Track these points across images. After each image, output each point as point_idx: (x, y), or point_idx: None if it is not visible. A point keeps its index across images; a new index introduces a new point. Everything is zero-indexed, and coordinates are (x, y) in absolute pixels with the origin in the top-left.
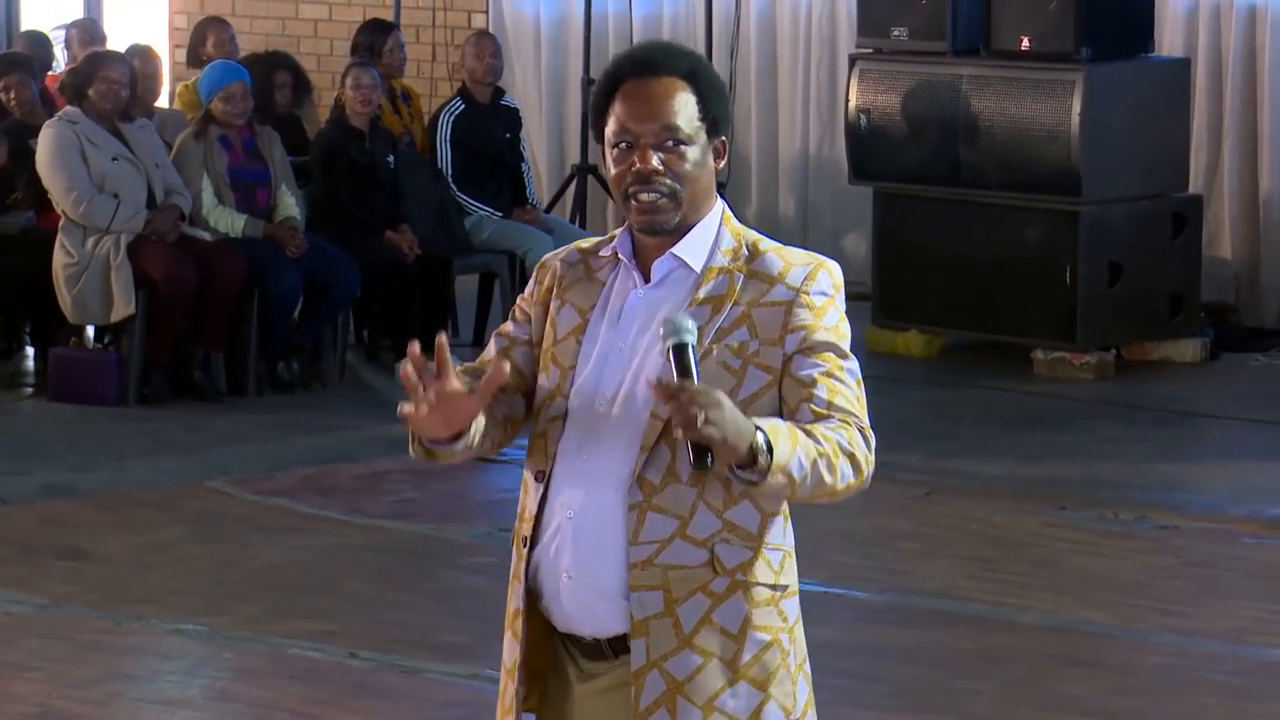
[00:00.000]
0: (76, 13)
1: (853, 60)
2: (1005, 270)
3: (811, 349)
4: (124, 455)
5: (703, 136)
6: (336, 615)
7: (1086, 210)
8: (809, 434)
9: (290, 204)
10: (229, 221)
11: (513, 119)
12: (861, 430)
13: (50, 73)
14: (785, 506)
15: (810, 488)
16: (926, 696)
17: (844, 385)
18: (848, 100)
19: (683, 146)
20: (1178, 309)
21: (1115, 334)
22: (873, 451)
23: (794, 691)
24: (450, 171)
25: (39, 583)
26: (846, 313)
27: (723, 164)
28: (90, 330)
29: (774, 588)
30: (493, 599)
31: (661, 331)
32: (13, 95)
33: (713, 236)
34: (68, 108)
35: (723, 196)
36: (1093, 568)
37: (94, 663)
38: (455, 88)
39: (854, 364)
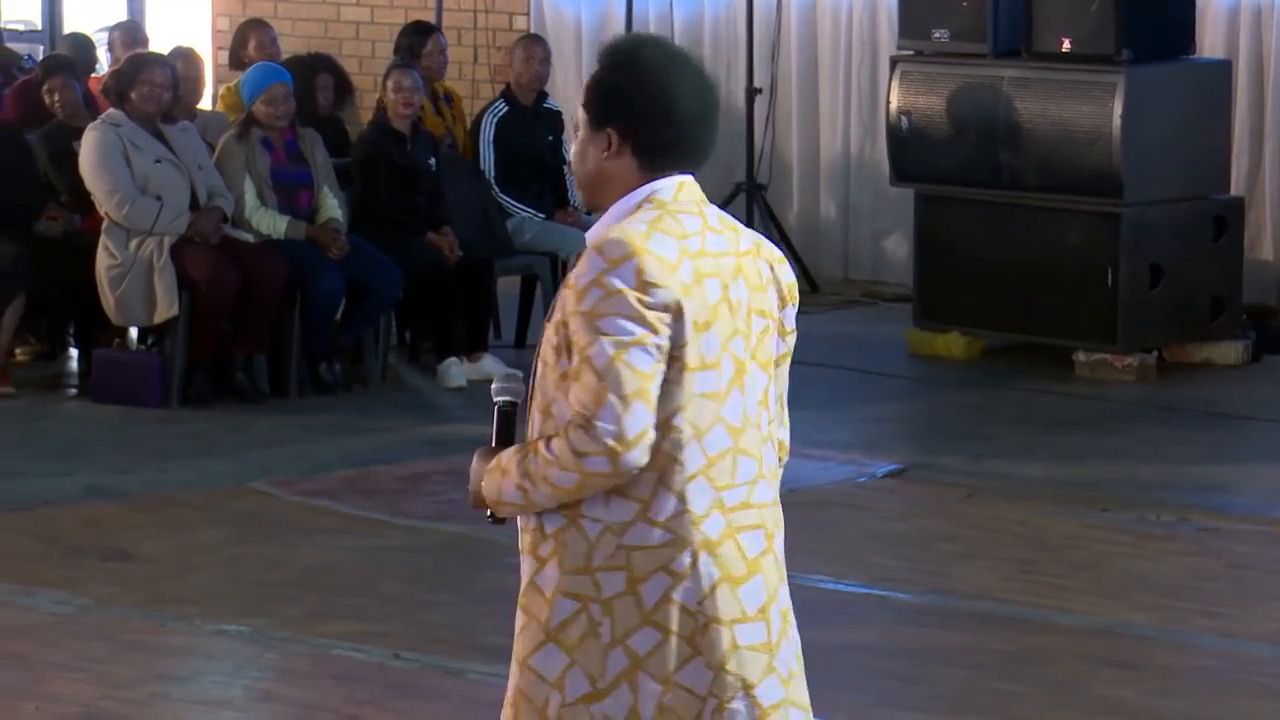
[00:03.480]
0: (119, 15)
1: (894, 62)
2: (1046, 272)
3: (568, 344)
4: (167, 456)
5: (586, 129)
6: (378, 616)
7: (1128, 212)
8: (527, 453)
9: (332, 206)
10: (271, 223)
11: (555, 121)
12: (580, 427)
13: (93, 75)
14: (649, 486)
15: (545, 499)
16: (967, 698)
17: (581, 380)
18: (889, 102)
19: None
20: (1219, 311)
21: (1156, 336)
22: (601, 432)
23: (603, 661)
24: (492, 173)
25: (82, 584)
26: (625, 290)
27: (605, 155)
28: (133, 332)
29: (589, 558)
30: None
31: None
32: (56, 97)
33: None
34: (111, 110)
35: (763, 197)
36: (1134, 569)
37: (137, 663)
38: (498, 90)
39: (607, 342)
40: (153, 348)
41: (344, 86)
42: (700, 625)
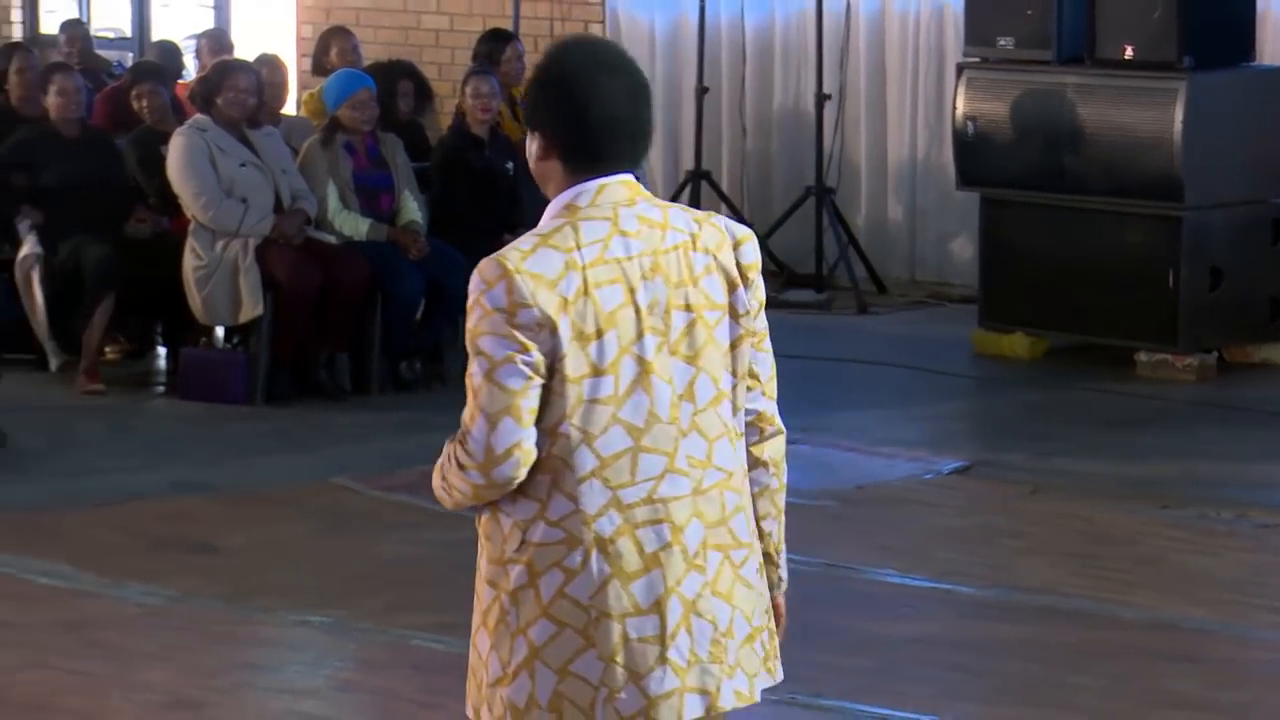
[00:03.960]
0: (207, 23)
1: (960, 69)
2: (1108, 274)
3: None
4: (251, 453)
5: (529, 132)
6: (456, 607)
7: (1188, 216)
8: (445, 458)
9: (412, 209)
10: (353, 225)
11: None
12: (459, 442)
13: (180, 81)
14: (545, 488)
15: (458, 500)
16: (1031, 690)
17: (469, 397)
18: (955, 108)
19: None
20: (1278, 313)
21: (1216, 337)
22: (473, 447)
23: (510, 648)
24: None
25: (169, 576)
26: (511, 307)
27: (537, 157)
28: (219, 331)
29: (502, 550)
30: None
31: None
32: (145, 103)
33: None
34: (197, 115)
35: (831, 201)
36: (1194, 565)
37: (222, 653)
38: None
39: (481, 361)
40: (238, 346)
41: (424, 92)
42: (592, 619)
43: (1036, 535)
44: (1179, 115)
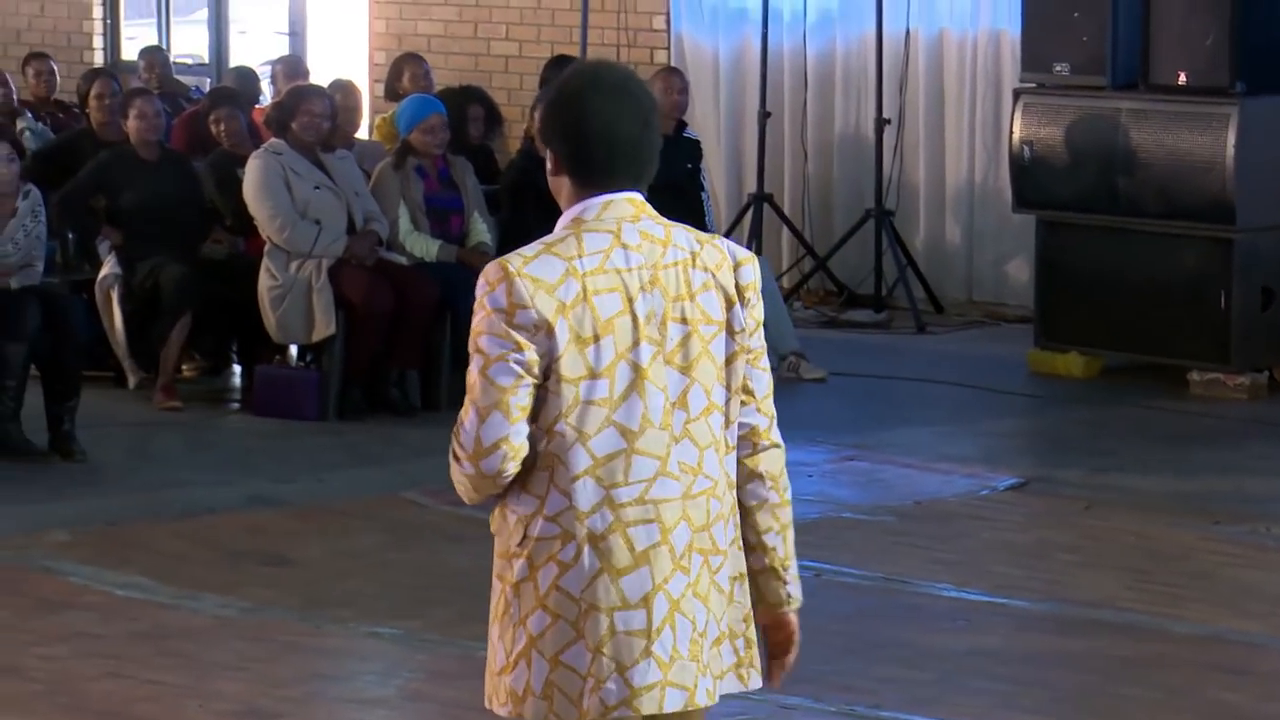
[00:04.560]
0: (282, 50)
1: (1017, 94)
2: (1162, 295)
3: None
4: (324, 467)
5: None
6: None
7: (1240, 238)
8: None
9: (482, 230)
10: (424, 247)
11: (693, 150)
12: (455, 435)
13: (257, 106)
14: (543, 484)
15: (463, 492)
16: (1085, 702)
17: (467, 392)
18: (1012, 132)
19: None
20: None
21: (1267, 356)
22: (464, 439)
23: (512, 638)
24: None
25: (243, 588)
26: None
27: (550, 173)
28: (293, 349)
29: (508, 544)
30: None
31: None
32: (222, 127)
33: None
34: (273, 139)
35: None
36: (1245, 579)
37: (295, 663)
38: None
39: (477, 358)
40: (311, 364)
41: (494, 117)
42: (582, 610)
43: (1091, 550)
44: (1231, 139)
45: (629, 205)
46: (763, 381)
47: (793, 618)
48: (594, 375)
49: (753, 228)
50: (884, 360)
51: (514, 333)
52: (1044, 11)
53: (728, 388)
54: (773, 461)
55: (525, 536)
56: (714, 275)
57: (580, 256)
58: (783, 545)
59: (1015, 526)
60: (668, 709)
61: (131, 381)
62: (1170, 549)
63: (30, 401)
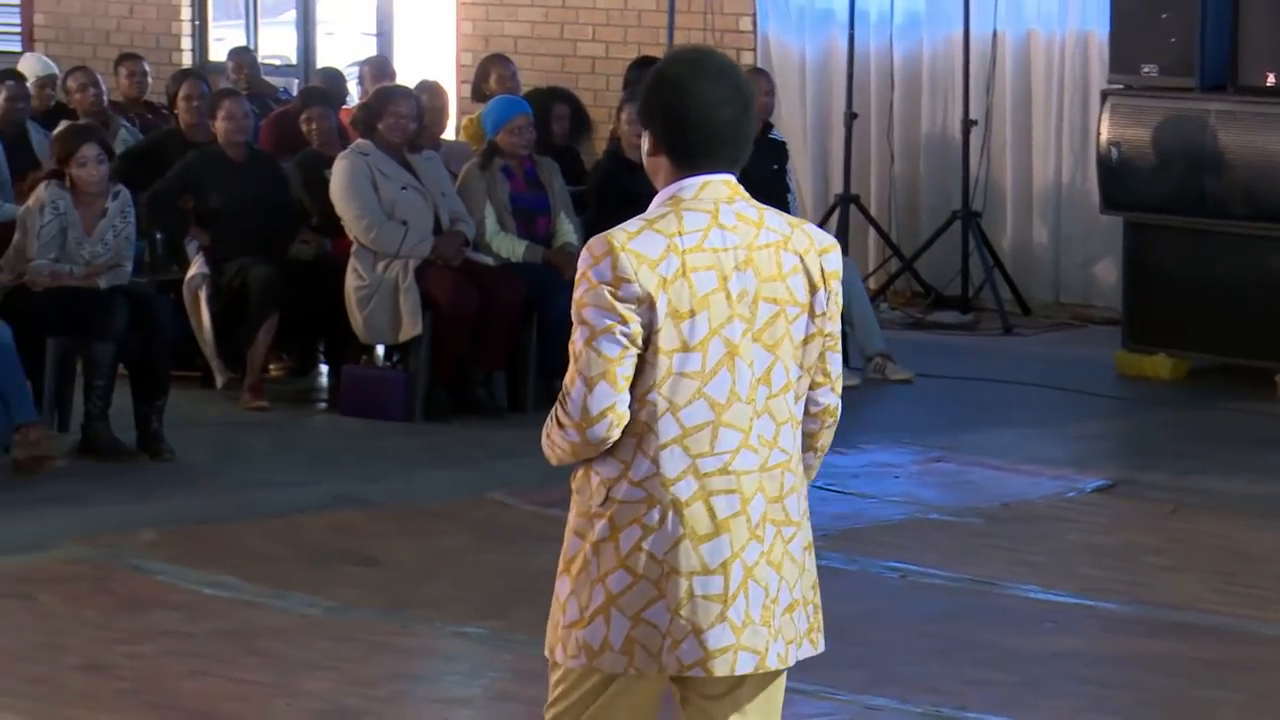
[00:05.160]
0: (369, 51)
1: (1104, 96)
2: (1249, 296)
3: None
4: (410, 467)
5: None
6: None
7: None
8: (550, 418)
9: (568, 231)
10: (510, 247)
11: (779, 151)
12: (560, 402)
13: (344, 107)
14: (630, 450)
15: (561, 456)
16: (1171, 705)
17: (570, 361)
18: (1099, 134)
19: None
20: None
21: None
22: (571, 407)
23: (590, 594)
24: None
25: (330, 587)
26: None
27: (648, 153)
28: (379, 349)
29: (589, 504)
30: None
31: None
32: (314, 126)
33: None
34: (360, 140)
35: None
36: None
37: (381, 663)
38: None
39: (583, 329)
40: (398, 365)
41: (580, 118)
42: (664, 573)
43: (1177, 552)
44: None
45: (725, 187)
46: (838, 364)
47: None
48: (687, 348)
49: (839, 229)
50: (970, 362)
51: (619, 305)
52: (1132, 13)
53: (801, 366)
54: (829, 438)
55: (608, 498)
56: (802, 259)
57: (681, 234)
58: (797, 501)
59: (1102, 529)
60: (739, 671)
61: (219, 381)
62: (1256, 551)
63: (118, 401)
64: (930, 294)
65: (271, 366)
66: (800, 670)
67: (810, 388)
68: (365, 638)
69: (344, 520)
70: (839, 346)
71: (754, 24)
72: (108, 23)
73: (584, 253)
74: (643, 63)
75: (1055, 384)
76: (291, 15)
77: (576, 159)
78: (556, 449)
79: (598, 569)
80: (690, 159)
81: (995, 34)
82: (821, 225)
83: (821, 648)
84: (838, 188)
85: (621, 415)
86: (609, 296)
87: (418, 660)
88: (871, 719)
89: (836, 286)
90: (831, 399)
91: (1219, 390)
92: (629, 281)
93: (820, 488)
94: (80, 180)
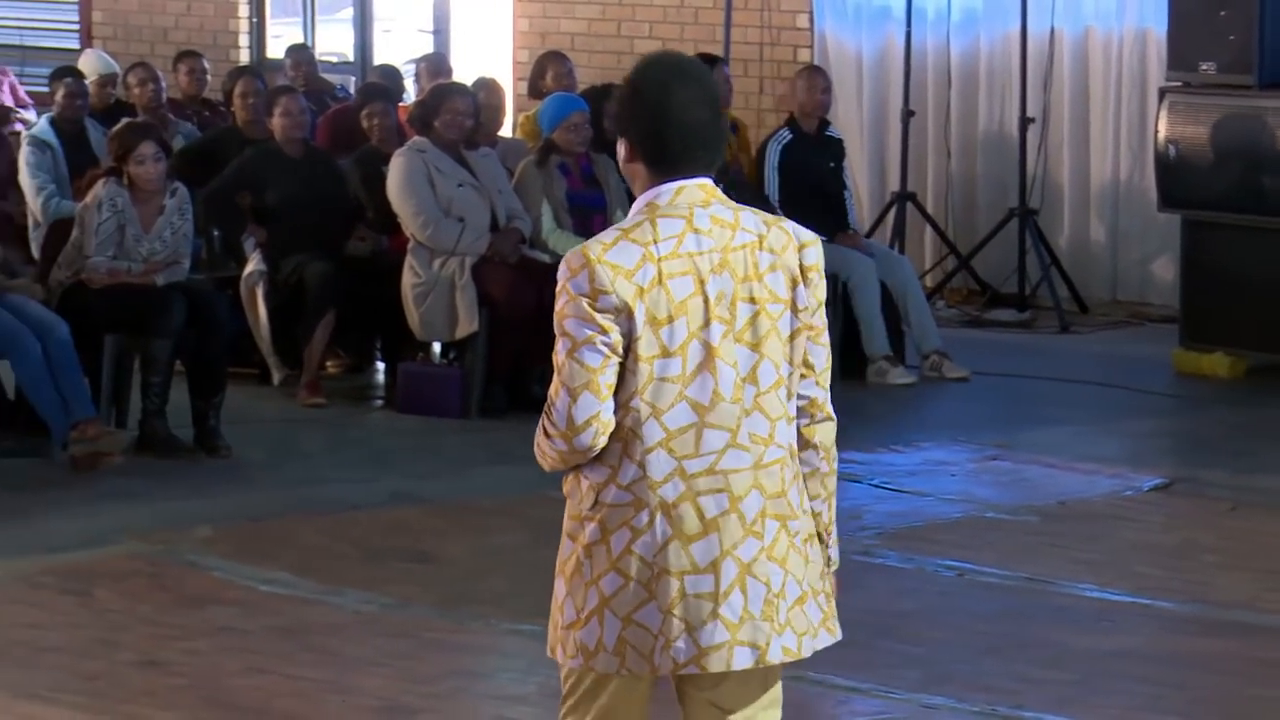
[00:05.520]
0: (426, 48)
1: (1162, 93)
2: None
3: None
4: (466, 464)
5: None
6: None
7: None
8: (539, 426)
9: None
10: (566, 244)
11: (837, 148)
12: (546, 413)
13: (400, 104)
14: (617, 455)
15: (551, 463)
16: (1226, 704)
17: (555, 373)
18: (1157, 131)
19: None
20: None
21: None
22: (556, 417)
23: (584, 597)
24: (776, 198)
25: (386, 584)
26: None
27: (625, 160)
28: (436, 347)
29: (580, 507)
30: None
31: None
32: (376, 122)
33: None
34: (416, 137)
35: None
36: None
37: (437, 660)
38: (782, 119)
39: (564, 341)
40: (454, 362)
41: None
42: (655, 574)
43: (1235, 551)
44: None
45: (699, 191)
46: (822, 356)
47: (831, 578)
48: (667, 354)
49: (896, 226)
50: (1027, 360)
51: (598, 316)
52: (1190, 10)
53: (790, 362)
54: (826, 433)
55: (598, 502)
56: (779, 256)
57: (655, 242)
58: (828, 511)
59: (1159, 527)
60: (735, 666)
61: (276, 378)
62: None
63: (176, 398)
64: (987, 292)
65: (328, 363)
66: (856, 668)
67: None
68: (421, 635)
69: (400, 517)
70: (824, 339)
71: (811, 21)
72: (165, 20)
73: (562, 265)
74: (701, 60)
75: (1112, 382)
76: (349, 12)
77: None
78: (547, 457)
79: (590, 572)
80: (667, 164)
81: (1053, 31)
82: (878, 223)
83: (839, 635)
84: (894, 185)
85: (606, 423)
86: (588, 308)
87: (473, 657)
88: (927, 717)
89: (817, 279)
90: (816, 392)
91: (1277, 388)
92: (606, 293)
93: (876, 486)
94: (138, 178)
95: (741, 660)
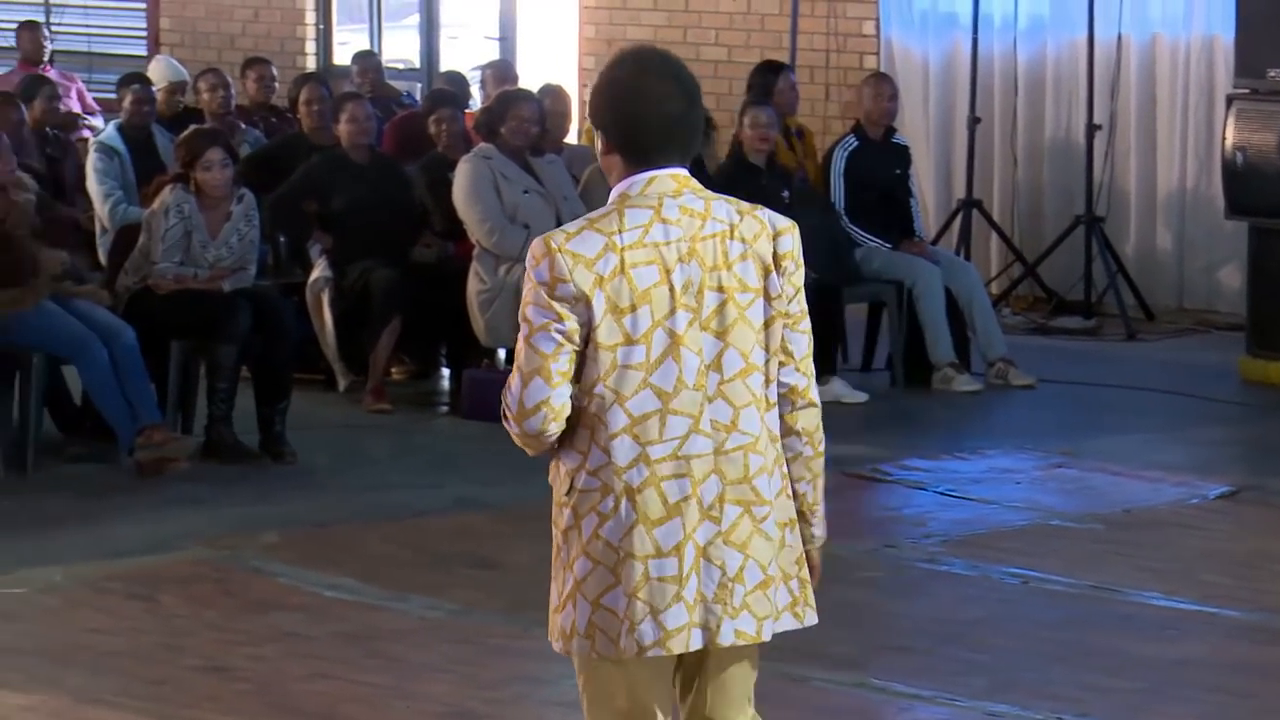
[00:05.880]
0: (492, 55)
1: (1230, 100)
2: None
3: None
4: (530, 471)
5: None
6: None
7: None
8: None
9: None
10: None
11: (903, 155)
12: (501, 397)
13: (467, 111)
14: (585, 441)
15: (519, 446)
16: None
17: (514, 362)
18: (1224, 138)
19: None
20: None
21: None
22: (510, 400)
23: (563, 580)
24: (842, 205)
25: (450, 590)
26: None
27: (601, 152)
28: (501, 353)
29: (559, 493)
30: (877, 612)
31: None
32: (444, 128)
33: None
34: (482, 144)
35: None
36: None
37: (501, 666)
38: (848, 126)
39: (524, 326)
40: None
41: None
42: (620, 558)
43: None
44: None
45: (671, 181)
46: (801, 344)
47: (816, 553)
48: (630, 341)
49: (961, 233)
50: (1093, 367)
51: (555, 304)
52: (1258, 16)
53: (766, 349)
54: (809, 419)
55: (571, 488)
56: (751, 245)
57: (620, 231)
58: (812, 491)
59: (1225, 535)
60: (692, 648)
61: (341, 384)
62: None
63: (241, 404)
64: (1053, 299)
65: (393, 370)
66: (920, 675)
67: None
68: (485, 640)
69: (465, 523)
70: (804, 325)
71: (877, 28)
72: (233, 27)
73: (528, 255)
74: (766, 67)
75: (1178, 390)
76: (415, 19)
77: (699, 163)
78: (513, 438)
79: (567, 556)
80: (642, 155)
81: (1120, 38)
82: (944, 230)
83: (808, 621)
84: (960, 192)
85: (557, 409)
86: (546, 296)
87: (538, 663)
88: None
89: (793, 267)
90: (797, 379)
91: None
92: (564, 281)
93: (941, 493)
94: (205, 184)
95: (695, 642)
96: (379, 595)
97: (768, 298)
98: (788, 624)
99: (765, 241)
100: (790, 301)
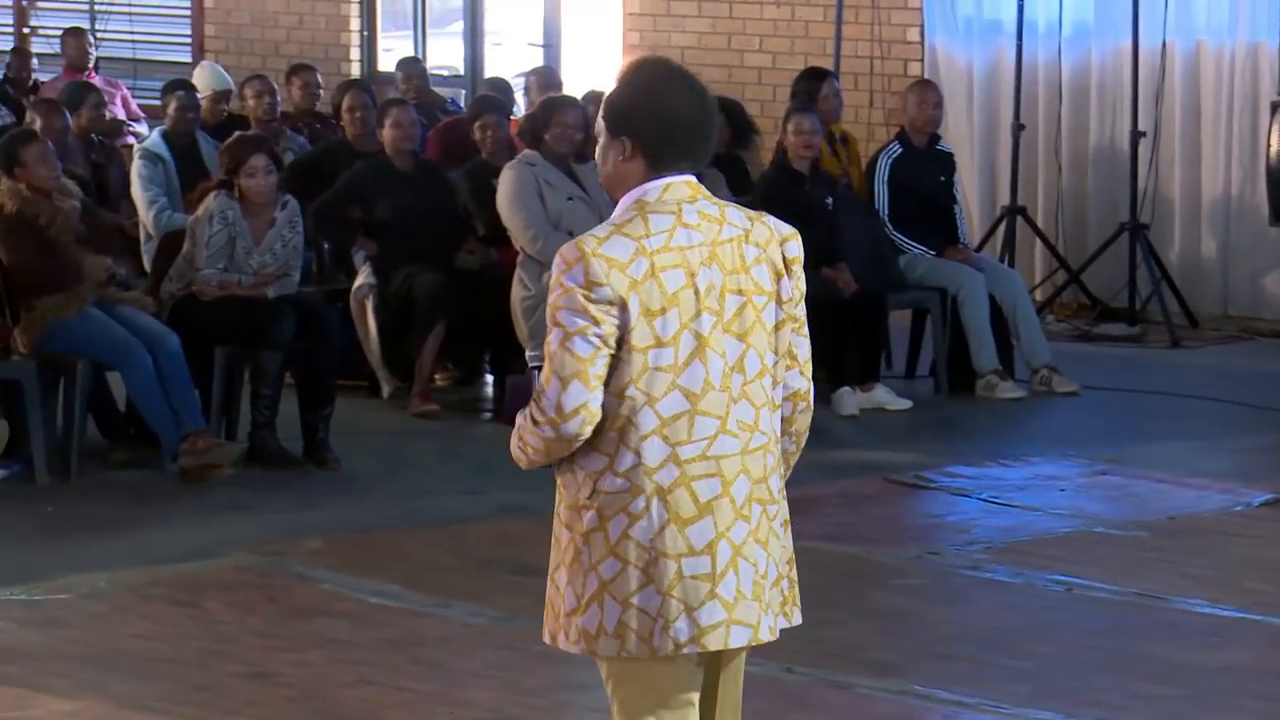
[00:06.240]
0: (536, 61)
1: (1274, 107)
2: None
3: None
4: None
5: (606, 137)
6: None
7: None
8: (524, 418)
9: None
10: None
11: (947, 162)
12: (535, 400)
13: (511, 118)
14: (613, 444)
15: (533, 456)
16: None
17: (546, 361)
18: (1269, 146)
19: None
20: None
21: None
22: (546, 404)
23: (583, 583)
24: (886, 212)
25: (494, 596)
26: (575, 283)
27: (621, 159)
28: None
29: (576, 497)
30: (921, 619)
31: None
32: (489, 134)
33: None
34: (526, 150)
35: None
36: None
37: (545, 673)
38: (892, 132)
39: (557, 331)
40: None
41: (744, 129)
42: (652, 558)
43: None
44: None
45: (686, 188)
46: (805, 348)
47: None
48: (661, 344)
49: (1006, 240)
50: (1137, 374)
51: (592, 307)
52: None
53: (775, 352)
54: (805, 422)
55: (595, 490)
56: (764, 250)
57: (648, 236)
58: (778, 480)
59: (1270, 543)
60: (733, 645)
61: (385, 390)
62: None
63: (285, 410)
64: (1097, 306)
65: (437, 376)
66: (963, 682)
67: None
68: (529, 647)
69: (508, 530)
70: (804, 331)
71: (921, 35)
72: (277, 34)
73: (557, 259)
74: (810, 74)
75: (1222, 397)
76: (459, 26)
77: (742, 169)
78: (528, 449)
79: (589, 558)
80: (669, 160)
81: (1164, 45)
82: (988, 237)
83: (797, 621)
84: (1005, 199)
85: (594, 412)
86: (582, 299)
87: (581, 670)
88: None
89: (799, 271)
90: (801, 382)
91: None
92: (601, 285)
93: (985, 500)
94: (249, 190)
95: (738, 639)
96: (422, 601)
97: (778, 301)
98: (782, 623)
99: (775, 247)
100: (796, 305)
